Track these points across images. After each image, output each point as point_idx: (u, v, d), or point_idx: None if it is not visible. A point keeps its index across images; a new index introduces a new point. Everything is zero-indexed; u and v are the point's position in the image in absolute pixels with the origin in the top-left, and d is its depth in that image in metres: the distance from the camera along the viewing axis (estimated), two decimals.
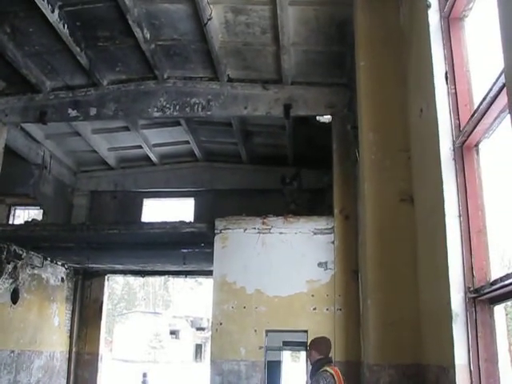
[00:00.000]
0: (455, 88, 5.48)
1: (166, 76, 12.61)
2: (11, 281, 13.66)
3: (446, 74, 5.57)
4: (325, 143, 12.40)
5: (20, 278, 14.12)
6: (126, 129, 15.29)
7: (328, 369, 6.40)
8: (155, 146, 16.70)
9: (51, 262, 15.99)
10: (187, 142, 16.33)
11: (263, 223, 11.48)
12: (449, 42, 5.70)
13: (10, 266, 13.57)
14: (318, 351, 6.62)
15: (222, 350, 10.89)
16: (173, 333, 53.11)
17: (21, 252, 14.06)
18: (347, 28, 9.72)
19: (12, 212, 17.00)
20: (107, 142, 16.49)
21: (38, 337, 15.16)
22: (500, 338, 4.70)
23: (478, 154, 5.19)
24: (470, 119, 5.00)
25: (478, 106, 4.76)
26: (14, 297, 13.81)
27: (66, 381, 17.09)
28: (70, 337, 17.44)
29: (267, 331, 10.98)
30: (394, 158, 7.02)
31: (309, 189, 15.65)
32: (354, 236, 10.74)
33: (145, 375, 19.63)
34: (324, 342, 6.80)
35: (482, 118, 4.77)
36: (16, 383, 14.04)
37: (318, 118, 12.39)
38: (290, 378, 21.18)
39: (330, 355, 6.71)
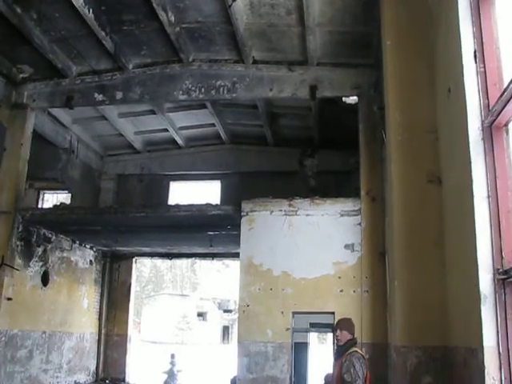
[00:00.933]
0: (484, 66, 5.38)
1: (191, 59, 12.60)
2: (41, 263, 13.88)
3: (475, 52, 5.46)
4: (351, 124, 12.29)
5: (50, 260, 14.34)
6: (152, 112, 15.36)
7: (358, 350, 6.48)
8: (181, 129, 16.75)
9: (80, 245, 16.21)
10: (213, 125, 16.34)
11: (290, 205, 11.46)
12: (478, 20, 5.57)
13: (39, 249, 13.79)
14: (349, 331, 6.63)
15: (249, 331, 10.96)
16: (200, 315, 53.53)
17: (50, 235, 14.26)
18: (373, 7, 9.57)
19: (41, 196, 17.24)
20: (133, 125, 16.59)
21: (68, 318, 15.43)
22: None
23: (507, 133, 5.11)
24: (499, 98, 4.91)
25: (508, 85, 4.66)
26: (45, 279, 14.05)
27: (95, 361, 17.41)
28: (99, 318, 17.72)
29: (294, 313, 11.00)
30: (421, 139, 6.96)
31: (335, 171, 15.59)
32: (380, 218, 10.68)
33: (173, 356, 19.76)
34: (352, 323, 6.82)
35: (511, 97, 4.68)
36: (48, 363, 14.33)
37: (344, 99, 12.30)
38: (317, 359, 21.23)
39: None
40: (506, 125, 5.07)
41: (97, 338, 17.53)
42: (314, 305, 10.92)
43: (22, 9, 10.71)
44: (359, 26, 10.84)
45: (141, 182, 18.17)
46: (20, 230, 12.87)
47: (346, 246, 11.02)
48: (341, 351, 6.57)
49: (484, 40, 5.46)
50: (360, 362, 6.26)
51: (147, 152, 18.01)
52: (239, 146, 17.44)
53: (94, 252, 17.32)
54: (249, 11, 10.72)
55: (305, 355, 15.21)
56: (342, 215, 11.22)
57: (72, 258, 15.77)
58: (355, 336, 6.75)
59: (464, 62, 5.51)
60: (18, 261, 12.79)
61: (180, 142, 17.31)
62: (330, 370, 10.49)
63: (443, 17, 6.60)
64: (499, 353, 4.68)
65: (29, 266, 13.29)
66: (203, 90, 12.62)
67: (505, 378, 4.63)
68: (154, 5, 10.29)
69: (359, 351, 6.52)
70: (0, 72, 12.75)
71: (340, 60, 12.03)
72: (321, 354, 25.18)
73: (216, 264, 54.55)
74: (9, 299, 12.19)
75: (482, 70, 5.38)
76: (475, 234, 5.02)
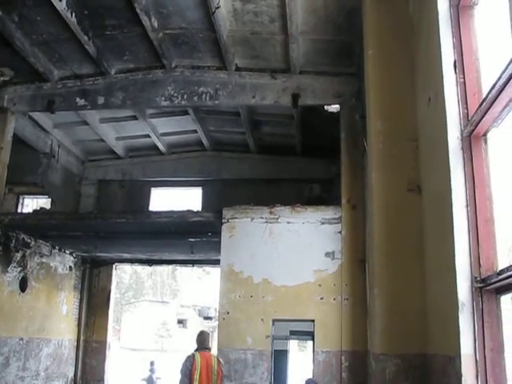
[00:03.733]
0: (464, 77, 5.45)
1: (173, 65, 12.59)
2: (20, 269, 13.72)
3: (455, 62, 5.53)
4: (333, 133, 12.36)
5: (28, 266, 14.18)
6: (134, 118, 15.29)
7: (194, 353, 8.14)
8: (163, 135, 16.70)
9: (59, 250, 16.04)
10: (195, 132, 16.31)
11: (270, 213, 11.47)
12: (458, 31, 5.64)
13: (18, 255, 13.63)
14: (196, 342, 8.42)
15: (228, 339, 10.92)
16: (180, 322, 53.20)
17: (29, 240, 14.11)
18: (356, 16, 9.65)
19: (20, 201, 17.05)
20: (115, 131, 16.51)
21: (46, 325, 15.24)
22: (506, 327, 4.70)
23: (486, 143, 5.16)
24: (478, 108, 4.97)
25: (487, 95, 4.72)
26: (23, 285, 13.87)
27: (74, 368, 17.19)
28: (78, 325, 17.51)
29: (274, 320, 10.99)
30: (402, 147, 7.00)
31: (317, 178, 15.66)
32: (361, 226, 10.73)
33: (152, 363, 19.67)
34: (201, 335, 8.57)
35: (490, 107, 4.73)
36: (25, 370, 14.14)
37: (326, 107, 12.36)
38: (297, 367, 21.22)
39: (207, 345, 8.40)
40: (485, 134, 5.13)
41: (75, 344, 17.30)
42: (295, 312, 10.92)
43: (3, 11, 10.60)
44: (342, 35, 10.92)
45: (122, 187, 18.06)
46: None
47: (327, 254, 11.04)
48: None
49: (464, 51, 5.53)
50: (185, 360, 8.07)
51: (129, 158, 17.92)
52: (221, 153, 17.42)
53: (74, 258, 17.15)
54: (232, 18, 10.75)
55: (285, 363, 15.23)
56: (322, 223, 11.25)
57: (51, 264, 15.61)
58: (206, 345, 8.36)
59: (444, 72, 5.56)
60: None
61: (162, 148, 17.25)
62: (310, 375, 10.57)
63: (424, 27, 6.67)
64: (476, 361, 4.71)
65: (7, 271, 13.12)
66: (186, 96, 12.60)
67: None
68: (138, 10, 10.28)
69: (194, 353, 8.12)
70: None
71: (322, 68, 12.10)
72: (300, 362, 25.20)
73: (196, 271, 54.35)
74: None
75: (462, 80, 5.44)
76: (454, 243, 5.06)
